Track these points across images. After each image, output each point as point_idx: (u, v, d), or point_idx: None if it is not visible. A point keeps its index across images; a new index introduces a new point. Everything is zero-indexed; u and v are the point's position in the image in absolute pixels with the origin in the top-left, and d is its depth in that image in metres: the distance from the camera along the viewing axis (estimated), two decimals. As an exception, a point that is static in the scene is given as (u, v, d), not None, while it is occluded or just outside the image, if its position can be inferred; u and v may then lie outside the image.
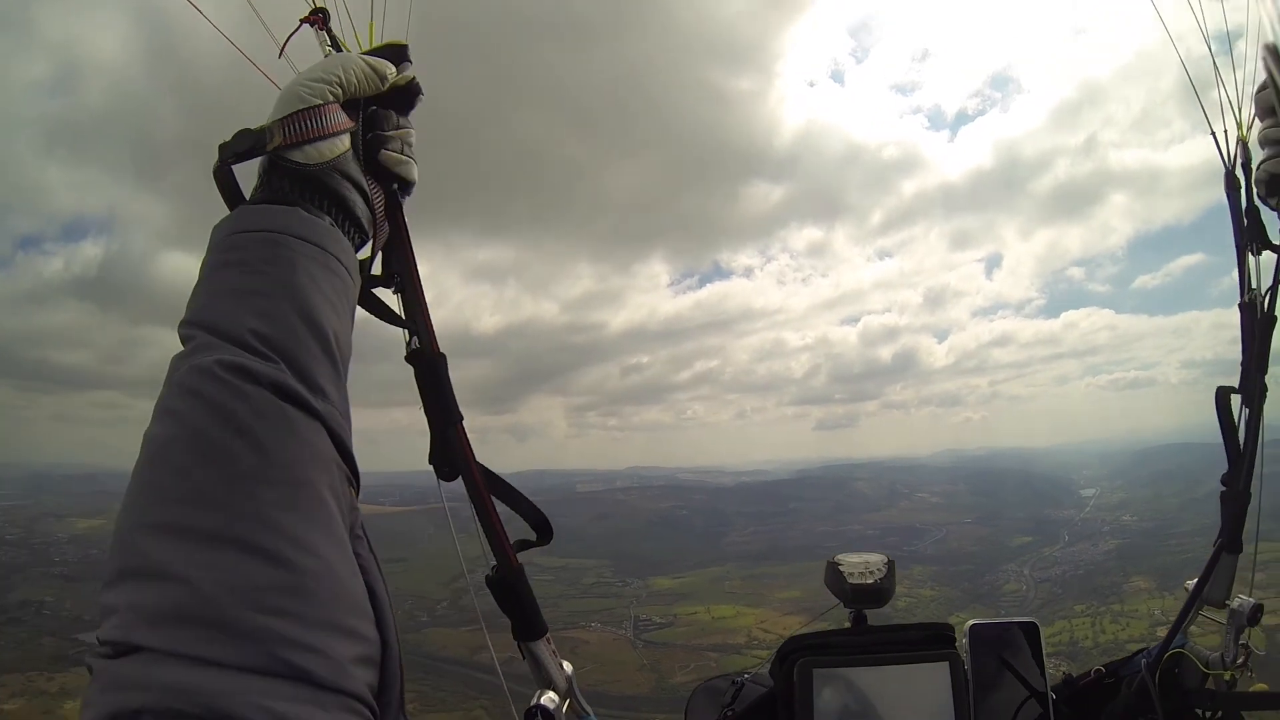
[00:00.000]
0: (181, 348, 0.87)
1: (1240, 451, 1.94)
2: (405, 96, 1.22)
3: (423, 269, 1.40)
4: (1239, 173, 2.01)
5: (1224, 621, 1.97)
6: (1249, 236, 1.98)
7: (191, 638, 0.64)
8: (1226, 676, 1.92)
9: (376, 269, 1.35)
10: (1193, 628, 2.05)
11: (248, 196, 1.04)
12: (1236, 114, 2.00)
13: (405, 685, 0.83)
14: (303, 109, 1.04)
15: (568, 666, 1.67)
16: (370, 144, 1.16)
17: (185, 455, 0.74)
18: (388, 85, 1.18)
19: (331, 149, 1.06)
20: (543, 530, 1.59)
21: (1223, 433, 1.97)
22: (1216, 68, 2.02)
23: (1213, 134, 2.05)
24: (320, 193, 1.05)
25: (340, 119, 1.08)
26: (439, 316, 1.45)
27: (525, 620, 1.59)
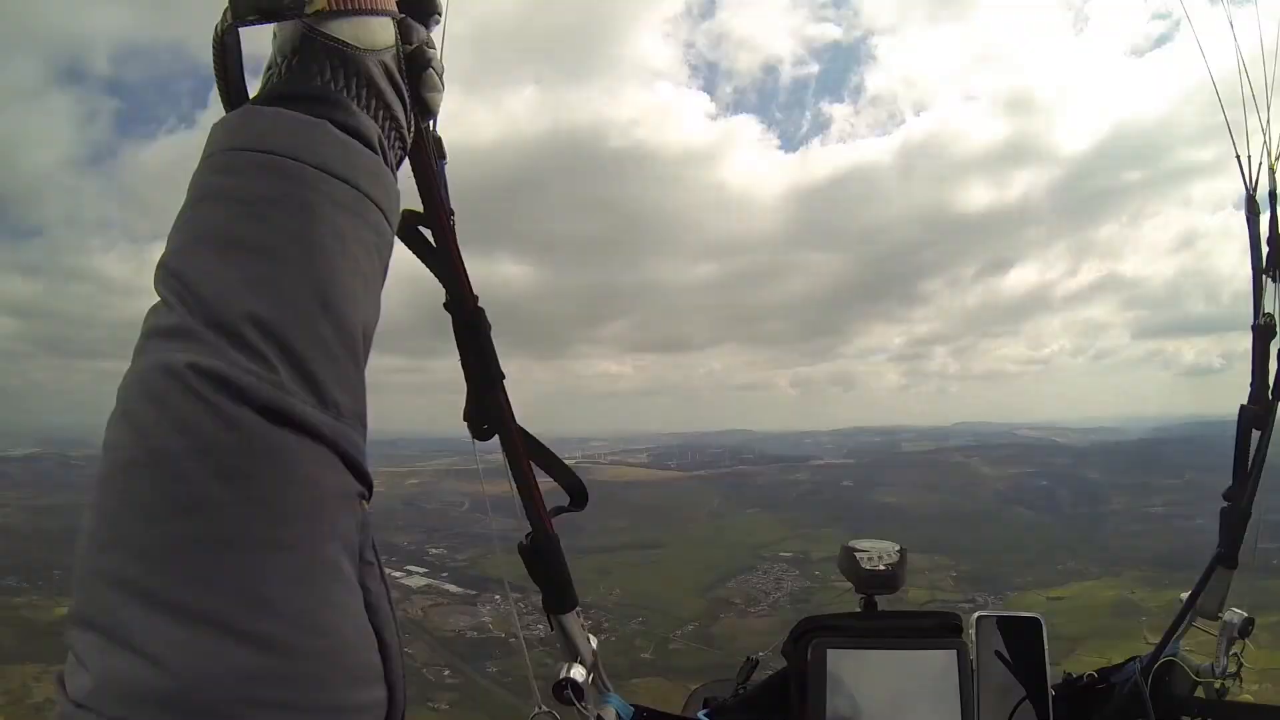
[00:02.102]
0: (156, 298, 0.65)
1: (1248, 469, 2.02)
2: (424, 7, 0.89)
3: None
4: (1261, 198, 2.10)
5: (1216, 633, 2.01)
6: (1270, 263, 2.07)
7: None
8: (1217, 685, 1.99)
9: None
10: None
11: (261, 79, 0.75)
12: (1266, 138, 2.09)
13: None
14: None
15: (593, 640, 1.67)
16: (413, 59, 0.83)
17: (155, 495, 0.57)
18: None
19: (383, 32, 0.77)
20: (577, 495, 1.56)
21: (1235, 449, 2.05)
22: (1250, 89, 2.08)
23: (1238, 157, 2.12)
24: (368, 89, 0.75)
25: None
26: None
27: (558, 591, 1.57)
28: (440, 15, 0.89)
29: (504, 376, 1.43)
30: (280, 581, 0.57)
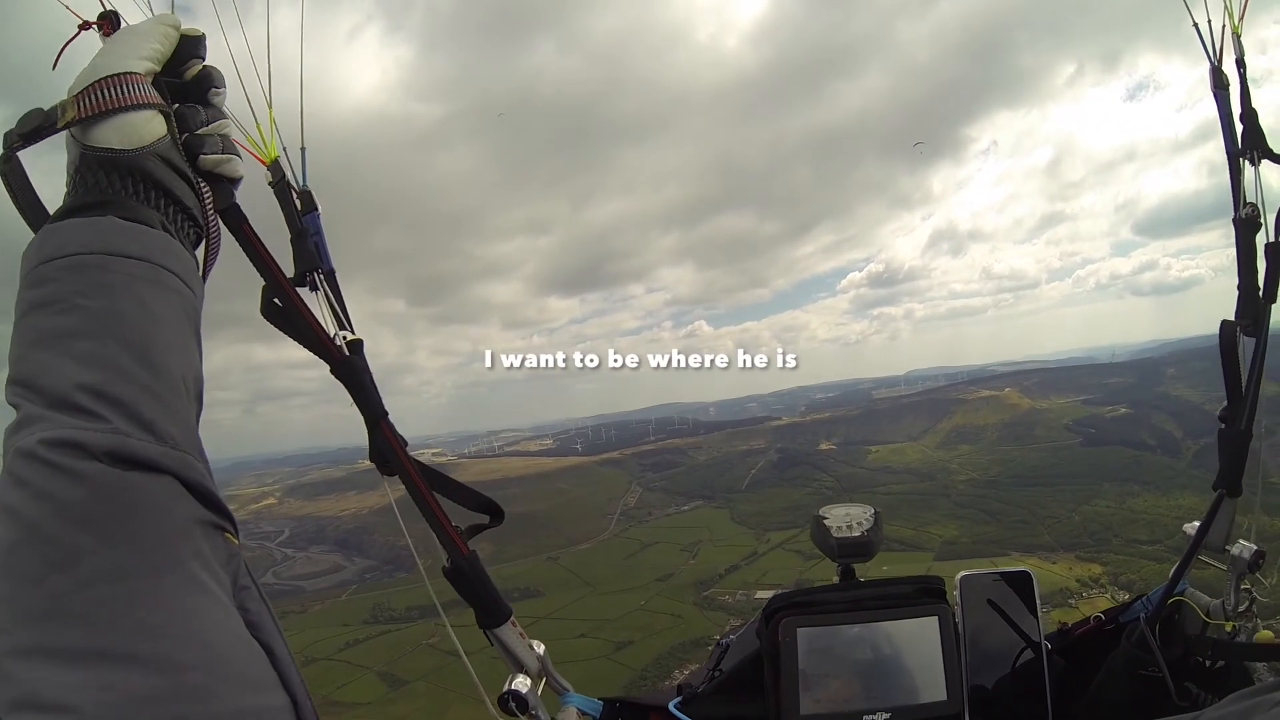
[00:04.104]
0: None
1: (1242, 389, 1.84)
2: (200, 87, 1.01)
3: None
4: (1229, 69, 1.90)
5: (1225, 567, 1.91)
6: (1246, 143, 1.87)
7: None
8: (1228, 626, 1.88)
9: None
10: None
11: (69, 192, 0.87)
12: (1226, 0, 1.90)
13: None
14: (102, 78, 0.87)
15: (539, 646, 1.64)
16: (188, 147, 0.96)
17: (33, 561, 0.65)
18: (179, 35, 0.99)
19: (148, 127, 0.89)
20: (492, 513, 1.61)
21: (1224, 368, 1.86)
22: None
23: (1195, 25, 1.90)
24: (145, 183, 0.88)
25: (150, 91, 0.91)
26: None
27: (486, 607, 1.59)
28: (220, 87, 1.00)
29: (385, 414, 1.50)
30: (151, 603, 0.65)
